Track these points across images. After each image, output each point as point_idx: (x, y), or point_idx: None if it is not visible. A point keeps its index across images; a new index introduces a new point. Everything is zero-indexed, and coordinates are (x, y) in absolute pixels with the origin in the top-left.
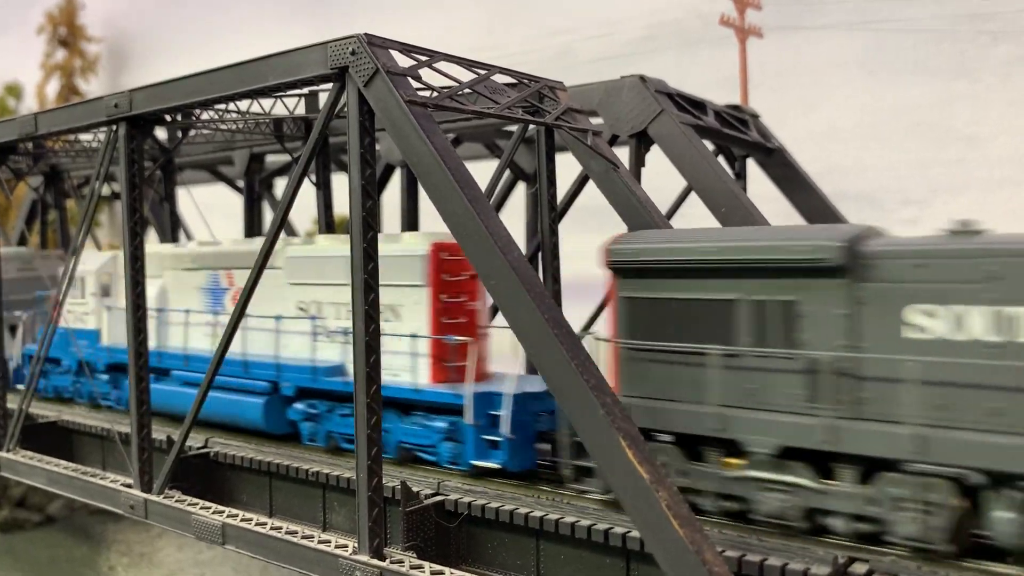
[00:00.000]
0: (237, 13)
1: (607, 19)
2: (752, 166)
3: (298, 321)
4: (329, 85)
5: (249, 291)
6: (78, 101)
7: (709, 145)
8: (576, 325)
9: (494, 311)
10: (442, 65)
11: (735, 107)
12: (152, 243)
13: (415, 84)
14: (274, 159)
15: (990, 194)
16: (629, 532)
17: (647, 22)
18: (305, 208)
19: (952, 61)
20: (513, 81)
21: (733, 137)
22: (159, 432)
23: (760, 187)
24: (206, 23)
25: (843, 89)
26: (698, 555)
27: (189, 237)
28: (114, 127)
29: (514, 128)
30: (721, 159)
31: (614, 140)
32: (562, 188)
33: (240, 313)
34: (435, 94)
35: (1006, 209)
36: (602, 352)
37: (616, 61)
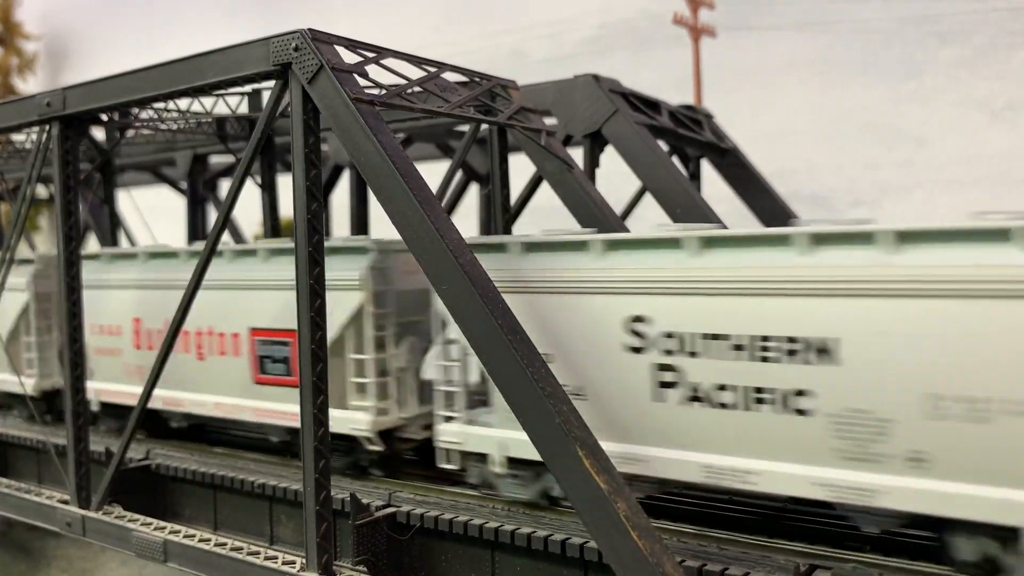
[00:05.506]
0: (182, 11)
1: (556, 19)
2: (706, 166)
3: None
4: (272, 83)
5: None
6: (7, 99)
7: (663, 145)
8: None
9: None
10: (390, 62)
11: (689, 107)
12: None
13: (362, 82)
14: (219, 160)
15: (938, 195)
16: (587, 543)
17: (597, 22)
18: (251, 211)
19: (901, 62)
20: (464, 79)
21: (687, 137)
22: (97, 444)
23: (714, 188)
24: (149, 21)
25: (794, 89)
26: (658, 567)
27: (131, 241)
28: (47, 127)
29: (466, 128)
30: (675, 159)
31: (568, 140)
32: (516, 189)
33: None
34: (383, 92)
35: (953, 210)
36: None
37: (567, 61)
